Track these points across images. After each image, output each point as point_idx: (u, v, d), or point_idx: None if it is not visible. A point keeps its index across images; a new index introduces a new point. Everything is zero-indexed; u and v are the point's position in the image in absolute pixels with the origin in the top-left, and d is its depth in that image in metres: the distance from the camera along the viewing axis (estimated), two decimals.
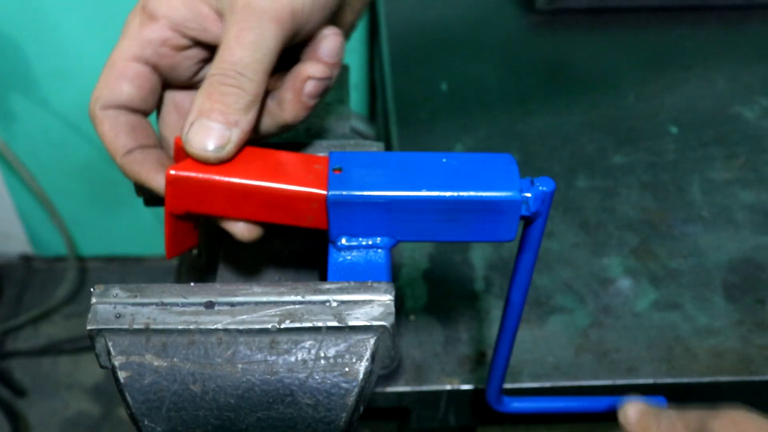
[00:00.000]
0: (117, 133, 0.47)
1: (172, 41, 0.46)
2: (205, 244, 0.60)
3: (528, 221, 0.48)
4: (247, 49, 0.43)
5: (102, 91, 0.47)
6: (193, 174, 0.45)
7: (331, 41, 0.47)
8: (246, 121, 0.44)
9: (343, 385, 0.43)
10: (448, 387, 0.63)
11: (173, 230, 0.49)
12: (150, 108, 0.49)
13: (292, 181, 0.46)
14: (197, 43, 0.47)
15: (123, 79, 0.46)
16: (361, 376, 0.43)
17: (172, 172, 0.45)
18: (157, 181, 0.47)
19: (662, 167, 0.83)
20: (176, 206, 0.47)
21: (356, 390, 0.43)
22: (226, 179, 0.45)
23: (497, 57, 0.98)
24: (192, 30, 0.46)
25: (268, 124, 0.48)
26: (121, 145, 0.47)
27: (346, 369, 0.43)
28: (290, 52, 0.48)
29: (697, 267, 0.72)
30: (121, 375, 0.43)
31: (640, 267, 0.72)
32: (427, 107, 0.90)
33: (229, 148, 0.44)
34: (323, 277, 0.58)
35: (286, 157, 0.48)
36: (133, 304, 0.44)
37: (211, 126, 0.44)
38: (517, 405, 0.58)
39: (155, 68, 0.47)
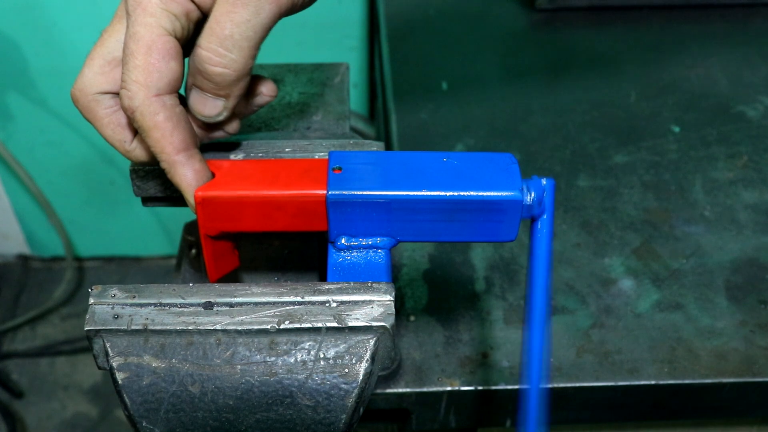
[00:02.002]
0: (175, 125, 0.45)
1: (192, 14, 0.45)
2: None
3: (533, 218, 0.47)
4: (238, 27, 0.43)
5: (151, 76, 0.43)
6: (220, 192, 0.46)
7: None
8: (238, 89, 0.45)
9: (343, 386, 0.43)
10: (449, 388, 0.63)
11: (212, 253, 0.49)
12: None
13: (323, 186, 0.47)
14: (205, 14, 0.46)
15: (169, 57, 0.44)
16: (360, 377, 0.43)
17: (200, 193, 0.45)
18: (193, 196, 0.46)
19: (664, 167, 0.82)
20: (210, 227, 0.47)
21: (356, 391, 0.43)
22: (255, 192, 0.46)
23: (498, 56, 0.98)
24: (205, 2, 0.45)
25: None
26: (179, 140, 0.45)
27: (346, 370, 0.43)
28: None
29: (700, 267, 0.72)
30: (119, 376, 0.43)
31: (641, 267, 0.72)
32: (427, 107, 0.90)
33: (225, 113, 0.46)
34: (323, 278, 0.58)
35: (303, 165, 0.48)
36: (132, 305, 0.44)
37: (204, 97, 0.45)
38: None
39: (179, 42, 0.46)
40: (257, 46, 0.44)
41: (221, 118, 0.47)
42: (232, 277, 0.55)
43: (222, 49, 0.43)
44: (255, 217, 0.47)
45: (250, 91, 0.49)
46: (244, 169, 0.48)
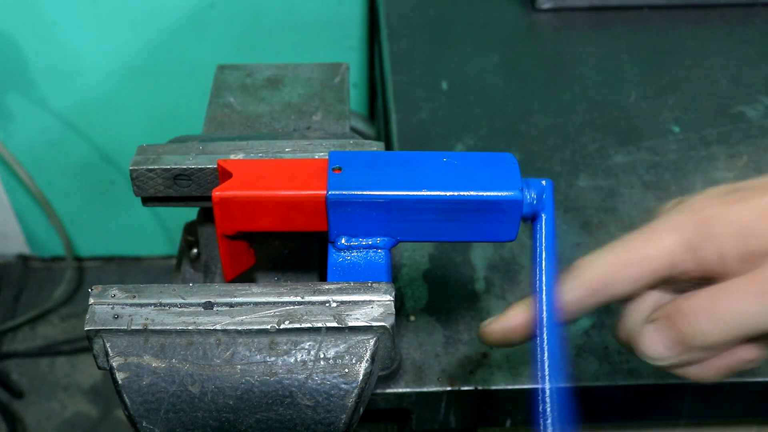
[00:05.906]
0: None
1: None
2: (205, 244, 0.60)
3: (533, 218, 0.47)
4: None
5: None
6: (237, 193, 0.46)
7: None
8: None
9: (343, 386, 0.43)
10: (449, 388, 0.63)
11: (229, 252, 0.49)
12: None
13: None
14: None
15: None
16: (360, 377, 0.43)
17: (217, 193, 0.46)
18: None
19: (664, 167, 0.82)
20: (227, 227, 0.47)
21: (356, 391, 0.43)
22: (273, 192, 0.46)
23: (498, 56, 0.98)
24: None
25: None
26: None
27: (346, 370, 0.43)
28: None
29: None
30: (119, 376, 0.43)
31: None
32: (427, 107, 0.90)
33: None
34: (323, 278, 0.58)
35: (322, 165, 0.48)
36: (132, 305, 0.44)
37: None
38: None
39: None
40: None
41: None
42: (246, 277, 0.56)
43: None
44: (273, 217, 0.47)
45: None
46: (261, 169, 0.48)
